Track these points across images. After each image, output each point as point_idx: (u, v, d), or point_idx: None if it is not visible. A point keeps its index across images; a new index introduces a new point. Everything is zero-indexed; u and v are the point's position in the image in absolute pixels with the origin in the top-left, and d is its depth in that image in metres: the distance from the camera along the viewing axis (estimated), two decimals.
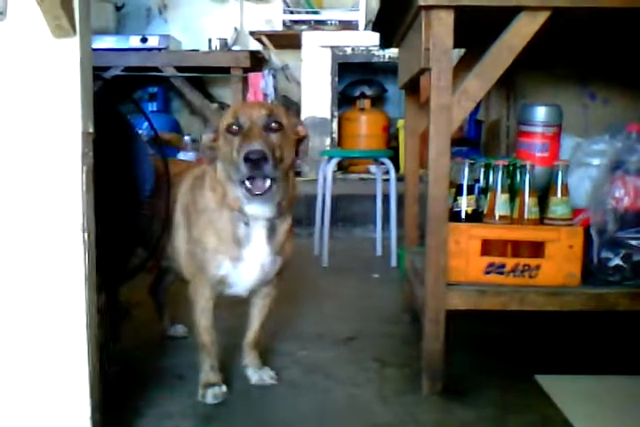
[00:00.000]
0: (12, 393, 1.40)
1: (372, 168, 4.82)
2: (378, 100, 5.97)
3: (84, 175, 1.36)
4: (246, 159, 1.64)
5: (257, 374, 2.09)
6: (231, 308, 2.19)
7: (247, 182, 1.69)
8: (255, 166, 1.64)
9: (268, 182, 1.69)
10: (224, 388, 1.96)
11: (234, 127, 1.75)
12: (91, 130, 1.39)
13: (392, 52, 5.16)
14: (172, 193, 2.04)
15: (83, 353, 1.40)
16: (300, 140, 1.88)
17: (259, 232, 1.86)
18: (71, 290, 1.38)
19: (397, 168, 4.32)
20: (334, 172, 4.15)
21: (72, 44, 1.34)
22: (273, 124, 1.74)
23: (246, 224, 1.84)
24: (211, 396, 1.92)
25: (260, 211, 1.82)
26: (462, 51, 2.70)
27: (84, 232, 1.36)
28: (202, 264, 1.90)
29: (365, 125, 5.59)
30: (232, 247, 1.86)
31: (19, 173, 1.35)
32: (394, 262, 3.86)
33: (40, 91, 1.34)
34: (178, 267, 2.08)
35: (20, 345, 1.39)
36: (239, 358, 2.12)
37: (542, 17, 1.84)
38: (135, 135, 1.99)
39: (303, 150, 1.89)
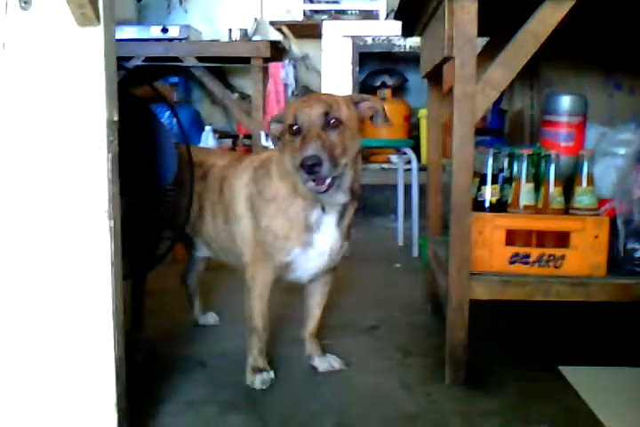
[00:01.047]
0: (40, 380, 1.42)
1: (394, 158, 4.80)
2: (399, 90, 5.92)
3: (110, 163, 1.36)
4: (302, 166, 1.67)
5: (325, 362, 2.11)
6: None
7: (308, 184, 1.74)
8: (311, 171, 1.67)
9: (328, 181, 1.72)
10: (272, 373, 1.99)
11: (294, 128, 1.78)
12: (115, 118, 1.40)
13: (413, 41, 5.11)
14: (229, 186, 2.06)
15: (109, 340, 1.41)
16: (373, 117, 1.90)
17: (330, 218, 1.90)
18: (97, 277, 1.38)
19: (419, 158, 4.30)
20: None
21: (96, 33, 1.34)
22: (332, 121, 1.76)
23: (323, 210, 1.87)
24: (259, 381, 1.95)
25: (334, 199, 1.85)
26: (485, 40, 2.67)
27: (110, 219, 1.37)
28: (270, 250, 1.92)
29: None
30: (303, 234, 1.89)
31: (45, 161, 1.36)
32: (415, 252, 3.86)
33: (65, 79, 1.35)
34: (233, 255, 2.09)
35: (47, 332, 1.40)
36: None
37: (567, 5, 1.82)
38: (157, 123, 1.99)
39: (383, 122, 1.91)
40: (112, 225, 1.37)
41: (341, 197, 1.86)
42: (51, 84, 1.35)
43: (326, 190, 1.74)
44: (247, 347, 2.01)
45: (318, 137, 1.72)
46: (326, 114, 1.75)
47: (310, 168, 1.66)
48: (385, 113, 1.91)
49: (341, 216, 1.91)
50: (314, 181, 1.71)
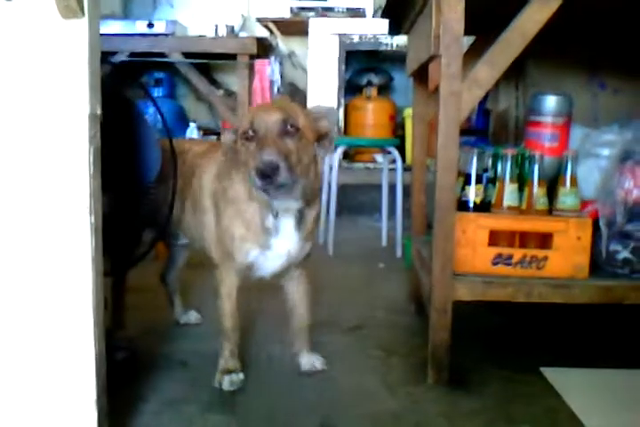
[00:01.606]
0: (19, 377, 1.40)
1: (378, 157, 4.80)
2: (385, 89, 5.92)
3: (92, 157, 1.34)
4: (258, 171, 1.64)
5: (308, 361, 2.11)
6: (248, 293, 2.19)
7: (262, 190, 1.72)
8: (266, 177, 1.63)
9: (282, 188, 1.70)
10: (241, 375, 1.97)
11: (249, 133, 1.74)
12: (98, 112, 1.38)
13: (400, 40, 5.11)
14: (199, 176, 2.06)
15: (89, 337, 1.40)
16: (323, 136, 1.86)
17: (287, 222, 1.87)
18: (78, 273, 1.36)
19: (403, 157, 4.30)
20: (340, 161, 4.13)
21: (80, 26, 1.32)
22: (288, 128, 1.73)
23: (275, 216, 1.85)
24: (227, 382, 1.93)
25: (285, 204, 1.84)
26: (472, 39, 2.67)
27: (90, 215, 1.35)
28: (230, 251, 1.92)
29: (372, 114, 5.54)
30: (260, 237, 1.87)
31: (26, 155, 1.33)
32: (399, 252, 3.86)
33: (48, 72, 1.33)
34: (203, 247, 2.08)
35: (26, 328, 1.38)
36: (249, 343, 2.12)
37: (555, 3, 1.81)
38: (142, 119, 1.98)
39: (328, 146, 1.88)
40: (93, 221, 1.35)
41: (293, 204, 1.84)
42: (33, 77, 1.33)
43: (279, 196, 1.75)
44: (219, 348, 1.99)
45: (275, 143, 1.68)
46: (284, 121, 1.72)
47: (266, 174, 1.62)
48: (333, 140, 1.88)
49: (300, 220, 1.89)
50: (265, 190, 1.70)
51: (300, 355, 2.12)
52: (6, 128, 1.33)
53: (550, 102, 2.22)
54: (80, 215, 1.35)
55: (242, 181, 1.88)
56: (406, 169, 3.67)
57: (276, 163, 1.63)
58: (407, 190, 3.13)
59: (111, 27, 5.22)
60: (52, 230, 1.35)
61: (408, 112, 5.24)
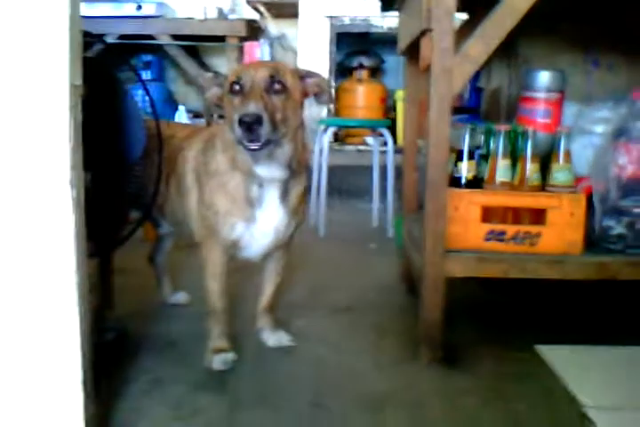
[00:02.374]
0: (1, 356, 1.37)
1: (369, 139, 4.76)
2: (376, 72, 5.87)
3: (72, 129, 1.30)
4: (241, 122, 1.61)
5: (273, 337, 2.10)
6: (236, 275, 2.16)
7: (244, 141, 1.66)
8: (249, 129, 1.61)
9: (263, 140, 1.65)
10: (232, 354, 1.95)
11: (235, 87, 1.73)
12: (78, 82, 1.34)
13: (391, 22, 5.06)
14: (182, 156, 2.02)
15: (74, 316, 1.36)
16: (316, 94, 1.85)
17: (272, 194, 1.84)
18: (59, 249, 1.33)
19: (394, 140, 4.26)
20: (330, 142, 4.10)
21: None
22: (275, 86, 1.71)
23: (260, 186, 1.81)
24: (218, 362, 1.91)
25: (270, 172, 1.80)
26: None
27: (72, 188, 1.31)
28: (214, 227, 1.88)
29: (363, 96, 5.50)
30: (245, 209, 1.84)
31: (4, 124, 1.29)
32: (390, 233, 3.84)
33: (27, 42, 1.28)
34: (188, 231, 2.04)
35: (6, 308, 1.35)
36: (239, 324, 2.10)
37: None
38: (128, 97, 1.93)
39: (324, 98, 1.86)
40: (74, 195, 1.32)
41: (277, 172, 1.80)
42: (11, 46, 1.28)
43: (259, 149, 1.67)
44: (208, 328, 1.97)
45: (261, 98, 1.67)
46: (271, 77, 1.71)
47: (249, 125, 1.60)
48: (330, 92, 1.87)
49: (285, 194, 1.86)
50: (250, 140, 1.65)
51: (264, 331, 2.12)
52: None
53: (543, 78, 2.19)
54: (60, 188, 1.31)
55: (224, 150, 1.85)
56: (397, 151, 3.64)
57: (259, 114, 1.61)
58: (398, 172, 3.11)
59: (99, 9, 5.15)
60: (31, 204, 1.31)
61: (399, 94, 5.21)
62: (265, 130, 1.63)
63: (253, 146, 1.65)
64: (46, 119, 1.29)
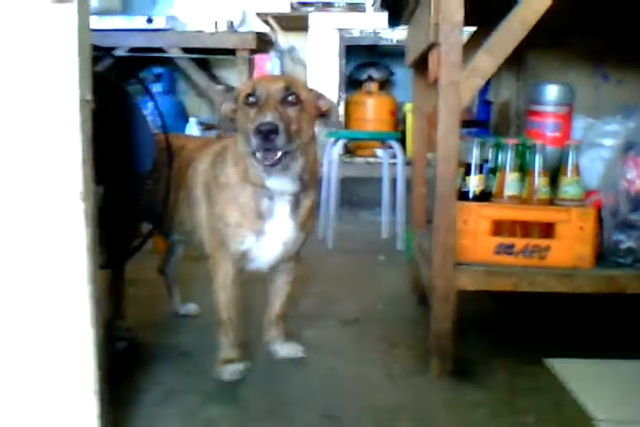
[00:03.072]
0: (17, 369, 1.38)
1: (379, 152, 4.77)
2: (385, 84, 5.88)
3: (83, 143, 1.32)
4: (257, 131, 1.63)
5: (284, 348, 2.11)
6: (246, 285, 2.18)
7: (258, 154, 1.67)
8: (266, 139, 1.63)
9: (279, 154, 1.67)
10: (242, 365, 1.95)
11: (250, 99, 1.75)
12: (88, 97, 1.36)
13: (400, 35, 5.08)
14: (192, 168, 2.04)
15: (87, 326, 1.37)
16: (324, 115, 1.87)
17: (282, 207, 1.85)
18: (72, 260, 1.34)
19: (404, 152, 4.27)
20: (340, 155, 4.12)
21: (70, 10, 1.29)
22: (290, 98, 1.73)
23: (270, 199, 1.83)
24: (228, 373, 1.92)
25: (281, 185, 1.82)
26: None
27: (84, 201, 1.33)
28: (224, 239, 1.89)
29: (372, 109, 5.51)
30: (255, 222, 1.85)
31: (16, 141, 1.31)
32: (400, 245, 3.84)
33: (37, 57, 1.30)
34: (197, 242, 2.05)
35: (22, 320, 1.36)
36: (249, 335, 2.11)
37: None
38: (137, 111, 1.96)
39: (332, 121, 1.89)
40: (86, 207, 1.33)
41: (289, 185, 1.82)
42: (22, 62, 1.30)
43: (274, 164, 1.68)
44: (218, 339, 1.98)
45: (275, 108, 1.69)
46: (286, 89, 1.73)
47: (266, 135, 1.62)
48: (338, 117, 1.90)
49: (296, 207, 1.87)
50: (266, 150, 1.66)
51: (274, 343, 2.12)
52: None
53: (552, 92, 2.21)
54: (72, 202, 1.32)
55: (235, 163, 1.87)
56: (407, 163, 3.66)
57: (275, 124, 1.63)
58: (408, 185, 3.12)
59: (110, 22, 5.20)
60: (44, 217, 1.33)
61: (409, 107, 5.22)
62: (281, 140, 1.64)
63: (269, 162, 1.67)
64: (57, 134, 1.31)
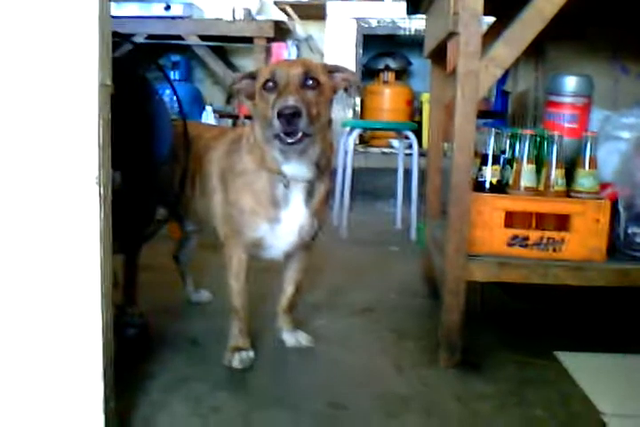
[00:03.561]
0: (24, 352, 1.39)
1: (394, 142, 4.76)
2: (402, 74, 5.86)
3: (101, 128, 1.32)
4: (280, 115, 1.63)
5: (293, 337, 2.11)
6: (259, 274, 2.18)
7: (281, 135, 1.67)
8: (289, 122, 1.63)
9: (300, 135, 1.67)
10: (251, 353, 1.96)
11: (269, 84, 1.75)
12: (108, 82, 1.36)
13: (418, 24, 5.05)
14: (208, 156, 2.04)
15: (96, 310, 1.38)
16: (346, 89, 1.87)
17: (297, 194, 1.85)
18: (85, 245, 1.35)
19: (420, 143, 4.26)
20: (355, 145, 4.10)
21: None
22: (309, 82, 1.73)
23: (285, 186, 1.83)
24: (237, 360, 1.92)
25: (298, 171, 1.82)
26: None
27: (99, 186, 1.33)
28: (238, 226, 1.90)
29: (389, 99, 5.49)
30: (269, 209, 1.85)
31: (34, 124, 1.31)
32: (413, 236, 3.83)
33: (58, 42, 1.30)
34: (211, 230, 2.06)
35: (31, 302, 1.37)
36: (261, 324, 2.11)
37: None
38: (156, 97, 1.96)
39: (353, 91, 1.88)
40: (102, 192, 1.33)
41: (305, 171, 1.82)
42: (41, 45, 1.30)
43: (297, 142, 1.68)
44: (229, 326, 1.99)
45: (297, 92, 1.69)
46: (305, 73, 1.73)
47: (288, 118, 1.62)
48: (359, 85, 1.89)
49: (310, 194, 1.87)
50: (287, 134, 1.66)
51: (284, 332, 2.13)
52: (15, 97, 1.31)
53: (570, 83, 2.18)
54: (88, 186, 1.33)
55: (251, 150, 1.87)
56: (422, 154, 3.64)
57: (298, 107, 1.63)
58: (423, 176, 3.10)
59: (128, 9, 5.21)
60: (59, 200, 1.33)
61: (426, 97, 5.19)
62: (303, 123, 1.65)
63: (291, 139, 1.67)
64: (76, 118, 1.31)
